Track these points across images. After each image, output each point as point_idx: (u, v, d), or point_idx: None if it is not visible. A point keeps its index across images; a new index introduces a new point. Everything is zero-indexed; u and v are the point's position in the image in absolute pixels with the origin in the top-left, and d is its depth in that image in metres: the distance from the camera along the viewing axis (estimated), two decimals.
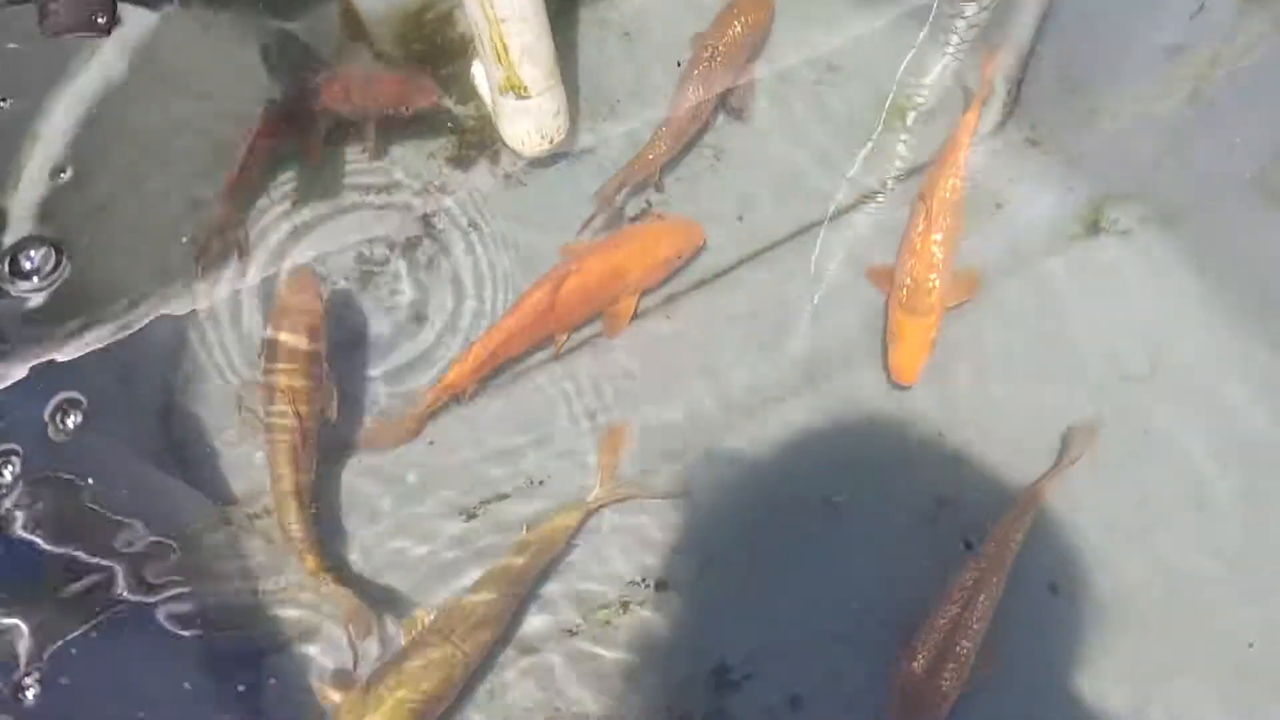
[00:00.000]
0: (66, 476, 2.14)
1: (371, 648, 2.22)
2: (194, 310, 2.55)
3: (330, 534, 2.32)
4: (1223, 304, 2.46)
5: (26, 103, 2.23)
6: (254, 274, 2.52)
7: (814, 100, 2.75)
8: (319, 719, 2.24)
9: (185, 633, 2.16)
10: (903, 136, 2.68)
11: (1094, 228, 2.57)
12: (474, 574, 2.28)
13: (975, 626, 2.13)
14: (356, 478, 2.40)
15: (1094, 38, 2.44)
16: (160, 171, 2.46)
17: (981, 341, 2.51)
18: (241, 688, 2.24)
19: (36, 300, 2.22)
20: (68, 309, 2.25)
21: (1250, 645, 2.22)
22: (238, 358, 2.49)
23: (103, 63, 2.31)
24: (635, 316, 2.52)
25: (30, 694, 1.94)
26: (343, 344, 2.50)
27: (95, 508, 2.15)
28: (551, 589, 2.34)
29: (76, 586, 2.08)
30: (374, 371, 2.51)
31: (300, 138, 2.57)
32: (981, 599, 2.14)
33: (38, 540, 2.06)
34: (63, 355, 2.20)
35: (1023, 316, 2.53)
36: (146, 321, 2.36)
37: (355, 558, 2.34)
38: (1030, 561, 2.27)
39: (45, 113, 2.27)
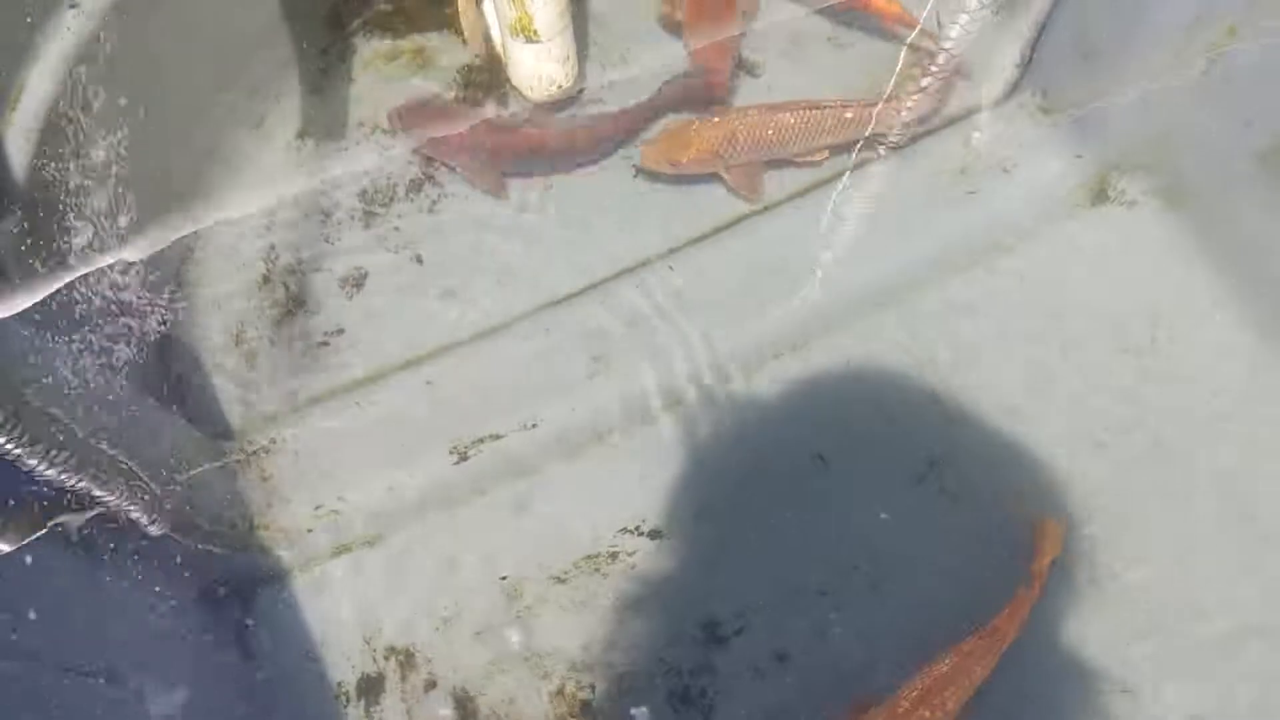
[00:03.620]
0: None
1: None
2: (191, 243, 2.54)
3: None
4: (1225, 279, 2.46)
5: (29, 23, 2.18)
6: (254, 207, 2.50)
7: (827, 54, 2.72)
8: (305, 654, 2.27)
9: (176, 566, 2.16)
10: (911, 99, 2.66)
11: (1101, 197, 2.56)
12: None
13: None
14: None
15: (1111, 5, 2.41)
16: (161, 95, 2.42)
17: (981, 305, 2.51)
18: (232, 621, 2.26)
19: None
20: (60, 238, 2.22)
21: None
22: (236, 291, 2.48)
23: None
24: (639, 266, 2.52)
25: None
26: (344, 280, 2.51)
27: (89, 439, 2.14)
28: (540, 536, 2.34)
29: (65, 515, 2.07)
30: (367, 310, 2.51)
31: None
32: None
33: (29, 465, 2.05)
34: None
35: (1024, 282, 2.52)
36: (151, 247, 2.34)
37: None
38: (1016, 527, 2.30)
39: (48, 34, 2.22)
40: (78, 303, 2.18)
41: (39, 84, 2.16)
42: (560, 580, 2.31)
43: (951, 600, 2.24)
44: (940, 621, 2.22)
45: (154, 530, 2.11)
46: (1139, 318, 2.46)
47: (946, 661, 2.06)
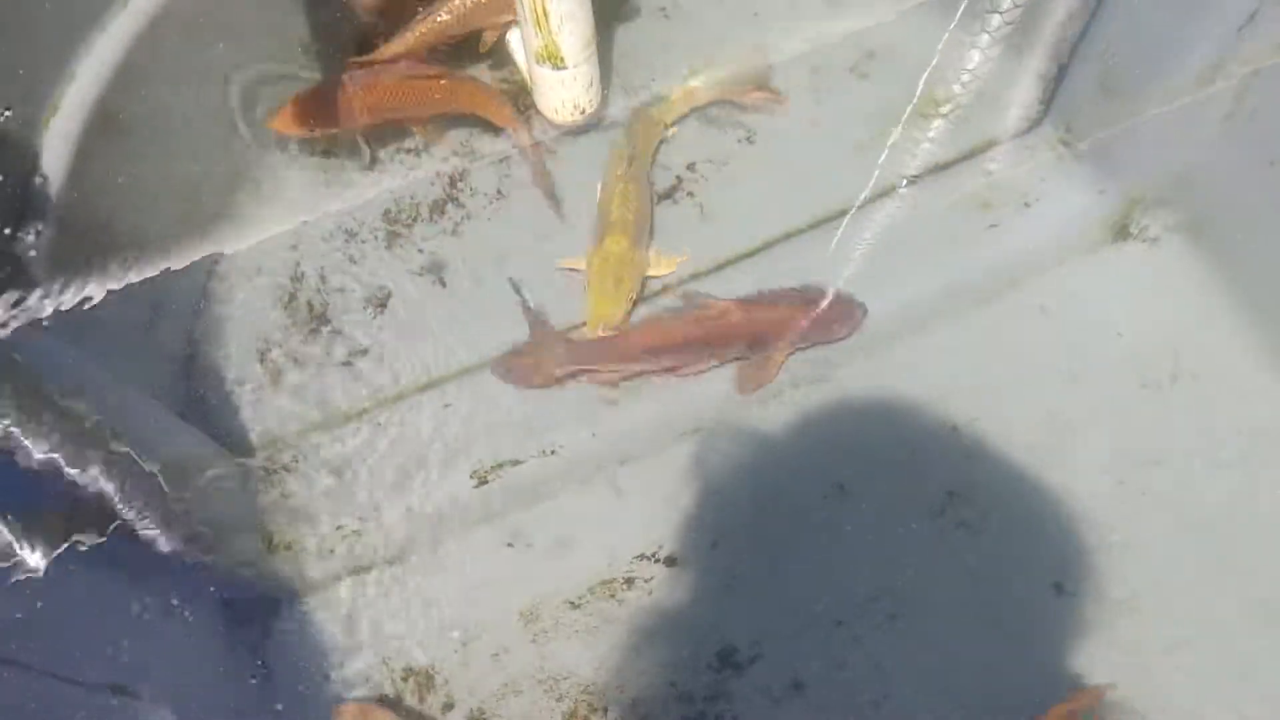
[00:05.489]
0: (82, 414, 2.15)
1: None
2: (218, 260, 2.56)
3: None
4: (1248, 316, 2.45)
5: (63, 43, 2.22)
6: (280, 227, 2.53)
7: (848, 86, 2.74)
8: (323, 673, 2.28)
9: (195, 582, 2.18)
10: (931, 130, 2.67)
11: (1123, 232, 2.56)
12: None
13: None
14: None
15: (1137, 41, 2.41)
16: (191, 114, 2.45)
17: (1001, 338, 2.51)
18: (249, 638, 2.27)
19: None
20: (91, 252, 2.25)
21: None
22: (260, 309, 2.50)
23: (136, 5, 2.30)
24: (651, 296, 2.53)
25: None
26: (368, 300, 2.53)
27: (115, 449, 2.16)
28: (557, 560, 2.35)
29: (85, 526, 2.09)
30: (390, 332, 2.52)
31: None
32: None
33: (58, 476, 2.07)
34: (95, 296, 2.20)
35: (1045, 316, 2.52)
36: (171, 267, 2.36)
37: None
38: (1035, 562, 2.30)
39: (81, 54, 2.25)
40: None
41: (74, 101, 2.20)
42: (575, 605, 2.31)
43: (968, 632, 2.24)
44: (956, 653, 2.22)
45: (164, 545, 2.13)
46: (1161, 354, 2.46)
47: None
